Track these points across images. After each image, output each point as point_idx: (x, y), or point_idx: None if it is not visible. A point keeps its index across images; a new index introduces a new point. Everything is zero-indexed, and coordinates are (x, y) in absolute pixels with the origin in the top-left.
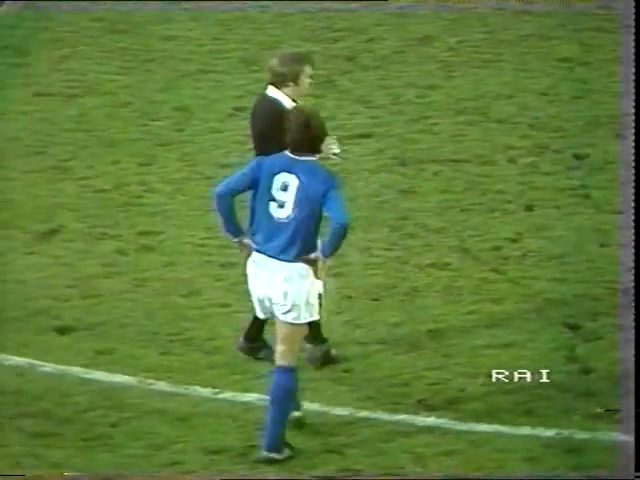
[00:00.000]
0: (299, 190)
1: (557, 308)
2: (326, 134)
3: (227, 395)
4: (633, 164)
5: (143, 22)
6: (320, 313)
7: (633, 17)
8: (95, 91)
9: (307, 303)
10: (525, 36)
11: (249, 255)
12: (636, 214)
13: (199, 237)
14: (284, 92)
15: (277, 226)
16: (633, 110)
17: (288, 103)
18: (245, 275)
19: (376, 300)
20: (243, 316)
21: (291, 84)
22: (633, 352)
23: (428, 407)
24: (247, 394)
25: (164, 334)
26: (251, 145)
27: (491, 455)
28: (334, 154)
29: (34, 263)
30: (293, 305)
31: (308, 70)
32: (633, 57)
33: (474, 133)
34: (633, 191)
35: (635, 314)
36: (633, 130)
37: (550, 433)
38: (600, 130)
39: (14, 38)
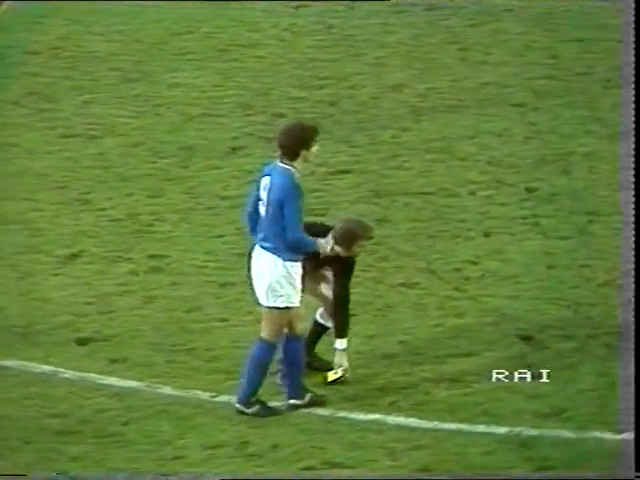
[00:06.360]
0: (269, 190)
1: (511, 322)
2: (307, 143)
3: (224, 398)
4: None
5: (153, 72)
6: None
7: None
8: (112, 132)
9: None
10: (484, 84)
11: None
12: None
13: (201, 260)
14: None
15: (262, 221)
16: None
17: None
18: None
19: (354, 315)
20: (240, 330)
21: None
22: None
23: (399, 408)
24: None
25: (169, 345)
26: (246, 179)
27: (453, 449)
28: None
29: (58, 283)
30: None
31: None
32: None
33: (440, 169)
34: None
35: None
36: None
37: (503, 430)
38: (548, 167)
39: (41, 85)
